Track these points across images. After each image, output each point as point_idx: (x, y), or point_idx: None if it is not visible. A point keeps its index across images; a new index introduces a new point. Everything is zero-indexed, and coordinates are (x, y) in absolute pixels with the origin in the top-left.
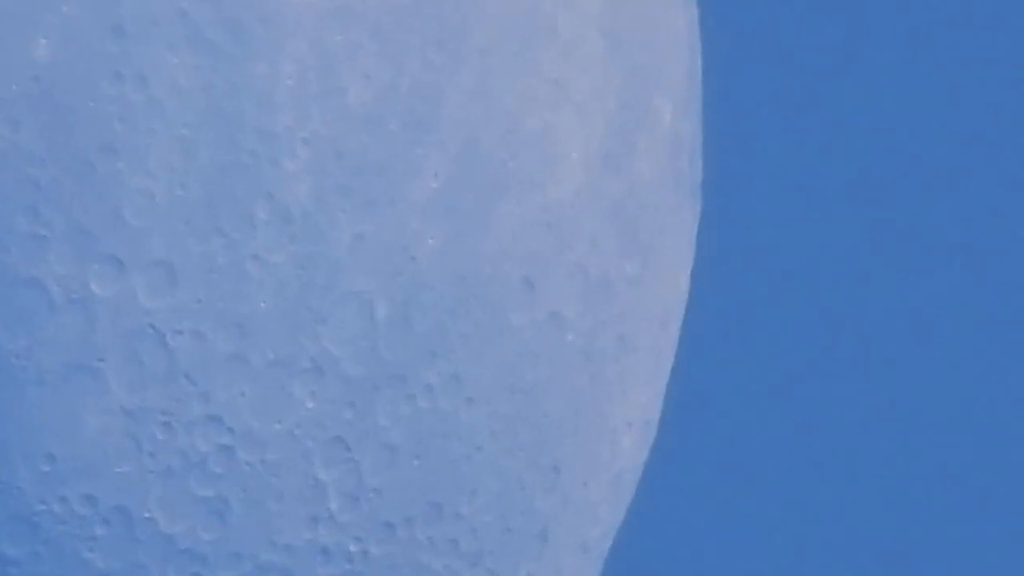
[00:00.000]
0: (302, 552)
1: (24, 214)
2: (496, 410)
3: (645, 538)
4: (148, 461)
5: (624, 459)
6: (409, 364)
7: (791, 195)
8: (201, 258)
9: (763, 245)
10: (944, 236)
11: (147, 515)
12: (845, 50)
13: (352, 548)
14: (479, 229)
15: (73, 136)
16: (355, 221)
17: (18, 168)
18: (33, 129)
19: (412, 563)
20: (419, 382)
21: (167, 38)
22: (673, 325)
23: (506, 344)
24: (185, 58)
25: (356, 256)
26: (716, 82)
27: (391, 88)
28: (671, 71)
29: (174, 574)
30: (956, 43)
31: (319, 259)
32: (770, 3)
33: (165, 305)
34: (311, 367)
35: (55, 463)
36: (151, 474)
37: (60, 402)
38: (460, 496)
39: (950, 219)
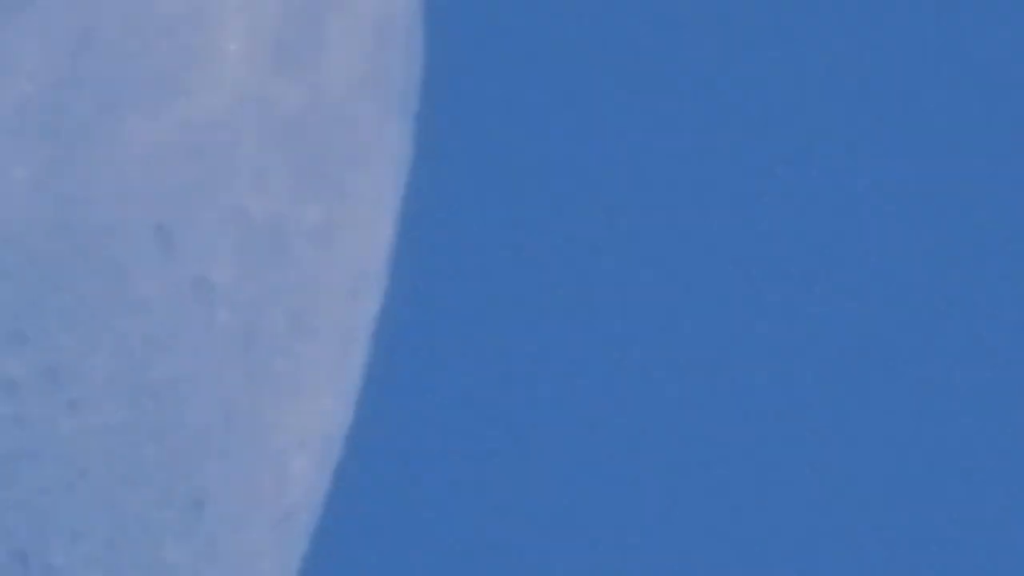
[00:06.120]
0: None
1: None
2: (110, 420)
3: None
4: None
5: (296, 491)
6: None
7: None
8: None
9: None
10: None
11: None
12: None
13: None
14: (87, 155)
15: None
16: None
17: None
18: None
19: None
20: None
21: None
22: (368, 298)
23: (126, 324)
24: None
25: None
26: None
27: None
28: None
29: None
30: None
31: None
32: None
33: None
34: None
35: None
36: None
37: None
38: (55, 540)
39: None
